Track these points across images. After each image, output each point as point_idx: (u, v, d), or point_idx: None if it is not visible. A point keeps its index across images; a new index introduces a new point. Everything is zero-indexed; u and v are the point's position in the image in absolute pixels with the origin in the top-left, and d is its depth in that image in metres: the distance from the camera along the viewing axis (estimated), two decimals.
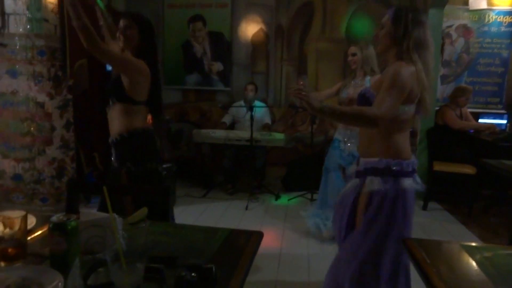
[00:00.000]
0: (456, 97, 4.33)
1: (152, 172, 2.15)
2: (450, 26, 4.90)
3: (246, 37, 5.17)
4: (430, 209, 4.27)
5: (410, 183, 1.70)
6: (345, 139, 3.24)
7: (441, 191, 4.46)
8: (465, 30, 4.91)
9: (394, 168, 1.66)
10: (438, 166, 4.18)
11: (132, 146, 2.12)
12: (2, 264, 1.01)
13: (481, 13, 4.85)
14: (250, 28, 5.14)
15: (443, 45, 4.73)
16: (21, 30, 3.43)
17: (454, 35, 4.93)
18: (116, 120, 2.12)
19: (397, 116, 1.65)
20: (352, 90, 3.15)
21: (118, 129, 2.12)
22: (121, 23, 2.12)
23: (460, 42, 4.93)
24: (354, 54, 3.20)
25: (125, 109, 2.10)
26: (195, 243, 1.18)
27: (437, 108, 4.54)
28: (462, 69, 4.98)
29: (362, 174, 1.75)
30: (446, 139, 4.35)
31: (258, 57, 5.20)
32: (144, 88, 2.13)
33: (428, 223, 3.85)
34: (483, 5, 4.81)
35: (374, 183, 1.68)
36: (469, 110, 4.57)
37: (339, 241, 1.89)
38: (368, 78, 3.14)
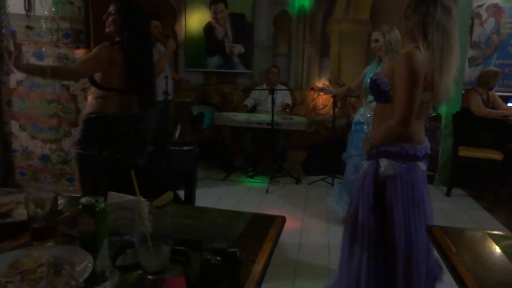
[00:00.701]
0: (484, 81, 4.19)
1: (120, 162, 2.11)
2: (481, 6, 4.71)
3: (267, 18, 5.10)
4: (454, 195, 4.19)
5: (423, 167, 1.72)
6: (369, 122, 3.15)
7: (465, 177, 4.37)
8: (496, 9, 4.71)
9: (407, 152, 1.66)
10: (463, 152, 4.08)
11: (91, 130, 2.13)
12: (35, 243, 1.05)
13: None
14: (272, 10, 5.06)
15: (472, 26, 4.56)
16: (46, 12, 3.47)
17: (484, 15, 4.74)
18: (89, 102, 2.21)
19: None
20: None
21: (87, 110, 2.17)
22: (109, 8, 2.14)
23: (490, 23, 4.74)
24: (376, 41, 3.08)
25: (96, 93, 2.14)
26: (219, 227, 1.20)
27: (463, 91, 4.41)
28: (492, 51, 4.80)
29: (374, 156, 1.75)
30: (472, 124, 4.23)
31: (279, 39, 5.14)
32: (115, 75, 2.12)
33: (452, 210, 3.79)
34: None
35: (387, 166, 1.69)
36: (498, 93, 4.42)
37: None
38: None
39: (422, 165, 1.72)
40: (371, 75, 3.10)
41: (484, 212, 3.78)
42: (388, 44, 3.02)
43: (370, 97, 3.03)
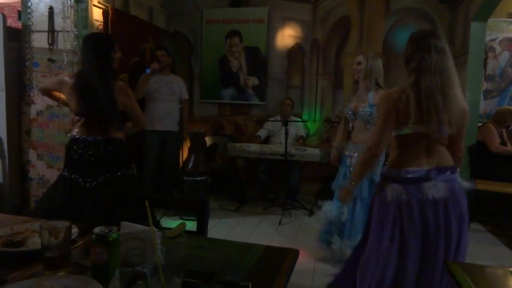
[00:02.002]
0: (501, 119, 4.21)
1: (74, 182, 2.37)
2: (494, 40, 4.73)
3: (281, 51, 5.21)
4: (472, 231, 4.07)
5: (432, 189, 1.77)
6: (352, 154, 3.06)
7: (484, 212, 4.26)
8: (509, 43, 4.73)
9: (400, 175, 1.80)
10: (481, 185, 4.00)
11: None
12: (47, 272, 1.05)
13: None
14: (286, 43, 5.18)
15: (486, 59, 4.57)
16: (68, 46, 3.61)
17: (498, 49, 4.75)
18: None
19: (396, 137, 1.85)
20: (354, 105, 3.03)
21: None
22: None
23: (504, 56, 4.75)
24: (359, 63, 3.03)
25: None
26: (231, 259, 1.18)
27: (480, 124, 4.37)
28: (507, 84, 4.78)
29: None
30: (489, 157, 4.17)
31: (293, 71, 5.22)
32: (70, 99, 2.43)
33: (470, 245, 3.65)
34: None
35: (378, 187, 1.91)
36: None
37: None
38: (371, 93, 2.97)
39: (431, 187, 1.77)
40: (351, 104, 3.05)
41: (504, 248, 3.65)
42: (369, 70, 2.97)
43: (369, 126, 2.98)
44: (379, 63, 3.01)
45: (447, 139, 1.85)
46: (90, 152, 2.34)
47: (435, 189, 1.76)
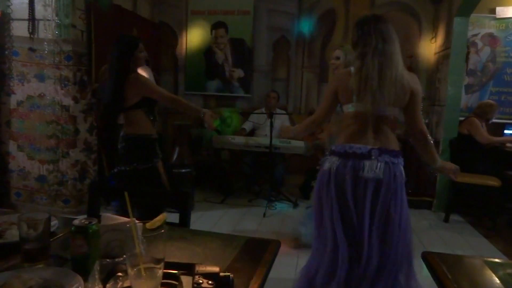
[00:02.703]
0: (482, 111, 4.28)
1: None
2: (476, 35, 4.80)
3: (267, 43, 5.19)
4: (452, 222, 4.17)
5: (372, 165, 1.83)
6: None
7: (463, 204, 4.36)
8: (491, 39, 4.81)
9: (345, 150, 1.88)
10: (461, 178, 4.07)
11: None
12: (25, 265, 1.04)
13: (508, 21, 4.74)
14: (272, 35, 5.16)
15: (468, 54, 4.64)
16: (49, 35, 3.54)
17: (480, 44, 4.83)
18: None
19: (338, 114, 1.98)
20: None
21: None
22: None
23: (485, 51, 4.83)
24: (337, 58, 3.00)
25: None
26: (212, 250, 1.19)
27: (462, 118, 4.45)
28: (488, 79, 4.87)
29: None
30: (469, 150, 4.25)
31: (279, 64, 5.21)
32: None
33: (450, 236, 3.76)
34: (511, 13, 4.70)
35: (324, 161, 1.97)
36: (494, 120, 4.47)
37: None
38: None
39: (370, 165, 1.82)
40: None
41: (482, 239, 3.75)
42: (348, 64, 2.90)
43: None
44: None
45: (394, 122, 1.92)
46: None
47: (372, 169, 1.80)
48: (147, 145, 2.53)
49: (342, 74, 1.97)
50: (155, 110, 2.59)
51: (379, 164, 1.81)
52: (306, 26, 5.07)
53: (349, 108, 1.92)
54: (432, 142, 1.99)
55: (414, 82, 1.89)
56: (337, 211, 1.83)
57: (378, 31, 1.84)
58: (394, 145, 1.90)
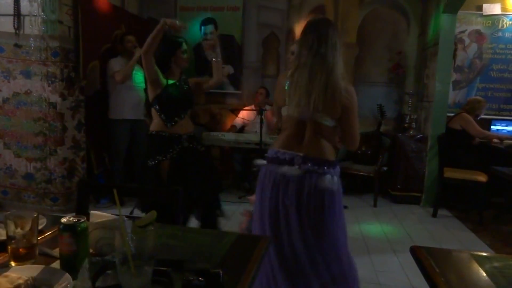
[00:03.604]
0: (471, 108, 4.35)
1: None
2: (463, 32, 4.85)
3: (257, 40, 5.18)
4: (440, 216, 4.22)
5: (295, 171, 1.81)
6: None
7: (451, 198, 4.42)
8: (478, 35, 4.86)
9: (268, 153, 1.92)
10: (449, 173, 4.14)
11: None
12: (13, 264, 1.03)
13: (495, 18, 4.80)
14: (261, 32, 5.15)
15: (455, 50, 4.69)
16: (36, 31, 3.48)
17: (467, 41, 4.88)
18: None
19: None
20: None
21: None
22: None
23: (473, 48, 4.89)
24: (292, 53, 3.05)
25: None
26: (203, 247, 1.19)
27: (451, 114, 4.51)
28: (475, 75, 4.93)
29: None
30: (457, 146, 4.31)
31: (268, 60, 5.21)
32: None
33: (438, 231, 3.81)
34: (497, 10, 4.76)
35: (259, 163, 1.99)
36: (482, 116, 4.54)
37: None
38: None
39: (294, 170, 1.80)
40: None
41: (469, 233, 3.81)
42: None
43: None
44: None
45: (331, 130, 1.84)
46: None
47: (292, 176, 1.79)
48: (153, 142, 2.63)
49: (282, 76, 1.94)
50: (171, 109, 2.61)
51: (298, 172, 1.79)
52: None
53: (283, 112, 1.90)
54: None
55: (348, 97, 1.78)
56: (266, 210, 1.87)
57: (317, 33, 1.78)
58: (321, 153, 1.82)
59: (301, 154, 1.80)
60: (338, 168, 1.86)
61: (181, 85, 2.67)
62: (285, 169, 1.80)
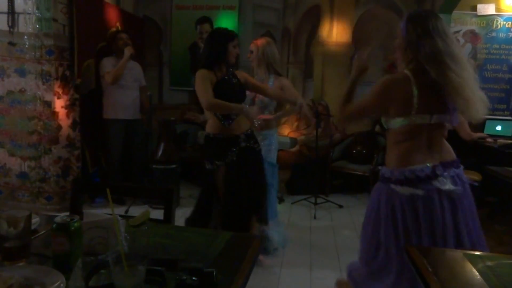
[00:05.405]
0: None
1: None
2: (458, 32, 4.87)
3: (252, 39, 5.16)
4: None
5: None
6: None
7: None
8: (472, 35, 4.89)
9: (395, 175, 1.68)
10: None
11: None
12: (6, 263, 1.02)
13: (489, 19, 4.82)
14: (257, 31, 5.15)
15: None
16: (30, 29, 3.46)
17: (461, 41, 4.90)
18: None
19: (394, 128, 1.69)
20: (253, 94, 3.00)
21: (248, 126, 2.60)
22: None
23: (467, 48, 4.91)
24: (251, 52, 3.03)
25: None
26: (197, 247, 1.19)
27: None
28: None
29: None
30: (451, 145, 4.32)
31: None
32: None
33: None
34: (491, 11, 4.78)
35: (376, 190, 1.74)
36: None
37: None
38: (271, 81, 2.98)
39: (437, 184, 1.66)
40: None
41: None
42: (261, 57, 2.97)
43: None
44: (272, 49, 3.00)
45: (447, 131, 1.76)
46: None
47: (443, 186, 1.66)
48: (209, 145, 2.62)
49: (398, 81, 1.69)
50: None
51: (447, 181, 1.68)
52: None
53: (400, 122, 1.67)
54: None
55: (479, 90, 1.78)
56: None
57: (437, 31, 1.62)
58: (451, 154, 1.78)
59: (437, 162, 1.69)
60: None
61: (230, 79, 2.58)
62: (435, 183, 1.65)
